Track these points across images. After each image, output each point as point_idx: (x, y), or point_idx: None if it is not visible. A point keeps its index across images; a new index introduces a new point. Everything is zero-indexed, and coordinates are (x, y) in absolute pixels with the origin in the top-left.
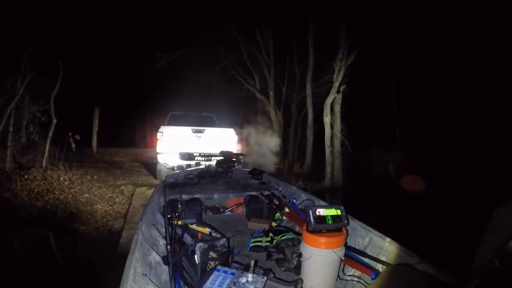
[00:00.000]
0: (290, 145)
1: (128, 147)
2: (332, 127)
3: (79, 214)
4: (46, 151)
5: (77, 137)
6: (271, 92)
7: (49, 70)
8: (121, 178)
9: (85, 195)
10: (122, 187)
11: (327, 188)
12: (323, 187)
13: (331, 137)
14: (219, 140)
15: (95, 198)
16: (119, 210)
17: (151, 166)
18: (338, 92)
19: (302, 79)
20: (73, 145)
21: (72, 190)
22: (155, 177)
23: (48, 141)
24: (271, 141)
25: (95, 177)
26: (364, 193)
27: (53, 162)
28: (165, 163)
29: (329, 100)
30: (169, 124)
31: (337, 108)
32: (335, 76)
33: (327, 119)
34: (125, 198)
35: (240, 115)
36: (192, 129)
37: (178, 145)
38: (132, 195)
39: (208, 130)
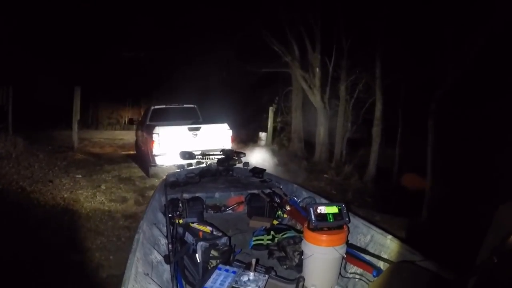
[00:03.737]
0: (337, 141)
1: (126, 129)
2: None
3: None
4: None
5: None
6: (317, 69)
7: None
8: (88, 226)
9: None
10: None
11: (427, 228)
12: (419, 225)
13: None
14: (215, 137)
15: None
16: None
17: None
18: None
19: (351, 54)
20: None
21: None
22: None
23: None
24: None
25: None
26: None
27: None
28: (162, 164)
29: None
30: (152, 119)
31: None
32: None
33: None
34: None
35: (233, 104)
36: (188, 128)
37: (175, 145)
38: None
39: (204, 128)
